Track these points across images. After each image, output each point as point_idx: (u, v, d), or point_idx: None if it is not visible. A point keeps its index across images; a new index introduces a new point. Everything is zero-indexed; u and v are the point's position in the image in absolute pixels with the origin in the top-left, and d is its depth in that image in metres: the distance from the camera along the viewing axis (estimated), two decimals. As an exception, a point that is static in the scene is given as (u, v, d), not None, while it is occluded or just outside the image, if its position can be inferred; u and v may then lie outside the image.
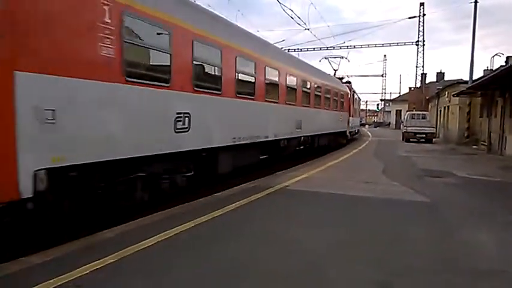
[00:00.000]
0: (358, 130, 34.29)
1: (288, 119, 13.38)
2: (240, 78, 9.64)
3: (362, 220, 6.39)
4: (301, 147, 15.77)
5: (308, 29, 34.70)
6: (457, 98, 27.49)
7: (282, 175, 10.69)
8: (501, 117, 19.44)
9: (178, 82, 7.20)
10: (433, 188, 9.41)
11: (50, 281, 3.65)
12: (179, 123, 7.24)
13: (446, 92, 32.20)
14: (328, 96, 18.97)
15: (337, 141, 22.64)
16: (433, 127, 31.54)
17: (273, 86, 11.79)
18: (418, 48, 47.79)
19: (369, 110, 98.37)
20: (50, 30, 4.75)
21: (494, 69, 26.07)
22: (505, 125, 18.89)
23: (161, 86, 6.80)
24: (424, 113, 33.05)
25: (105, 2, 5.50)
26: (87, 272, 3.89)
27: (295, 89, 13.92)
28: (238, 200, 7.31)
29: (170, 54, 6.97)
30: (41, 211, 4.94)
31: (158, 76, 6.83)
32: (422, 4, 47.43)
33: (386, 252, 4.83)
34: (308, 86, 15.54)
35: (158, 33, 6.77)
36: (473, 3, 24.15)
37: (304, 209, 7.02)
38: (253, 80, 10.48)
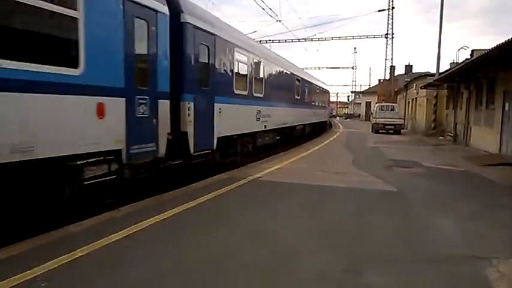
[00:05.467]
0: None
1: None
2: None
3: (332, 210, 6.51)
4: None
5: (280, 21, 34.72)
6: (425, 90, 28.22)
7: (255, 166, 10.73)
8: (466, 109, 20.10)
9: None
10: (401, 178, 9.68)
11: (16, 276, 3.55)
12: None
13: (414, 85, 33.01)
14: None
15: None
16: (402, 118, 32.30)
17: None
18: (387, 41, 48.56)
19: (339, 101, 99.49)
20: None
21: (459, 62, 26.84)
22: (470, 116, 19.54)
23: None
24: (393, 104, 33.72)
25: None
26: (55, 266, 3.80)
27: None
28: (213, 191, 7.31)
29: None
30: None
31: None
32: (391, -3, 48.09)
33: (355, 241, 4.95)
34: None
35: None
36: (440, -2, 24.71)
37: (276, 200, 7.08)
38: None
